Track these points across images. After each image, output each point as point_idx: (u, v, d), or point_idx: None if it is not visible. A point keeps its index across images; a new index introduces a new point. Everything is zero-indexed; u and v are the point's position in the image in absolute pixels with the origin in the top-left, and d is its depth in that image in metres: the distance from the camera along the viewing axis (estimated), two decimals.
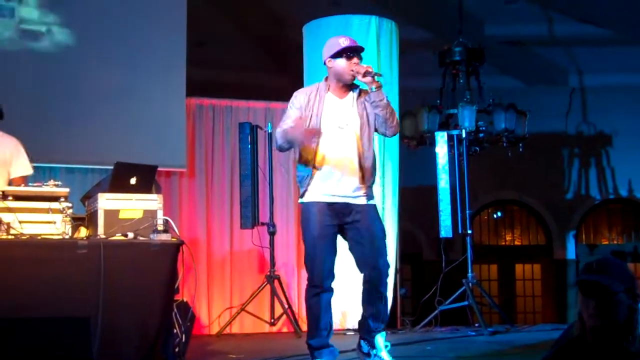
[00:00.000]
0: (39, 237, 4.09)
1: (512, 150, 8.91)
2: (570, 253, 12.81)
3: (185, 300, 4.76)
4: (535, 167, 12.24)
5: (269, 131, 7.34)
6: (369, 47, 6.42)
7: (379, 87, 4.42)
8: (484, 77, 8.97)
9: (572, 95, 12.45)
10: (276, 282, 7.06)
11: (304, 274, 7.91)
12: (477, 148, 8.56)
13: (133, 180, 4.49)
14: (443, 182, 7.04)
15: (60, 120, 7.09)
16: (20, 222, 4.09)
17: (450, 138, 7.15)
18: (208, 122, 7.93)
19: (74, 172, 7.16)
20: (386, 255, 4.60)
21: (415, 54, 9.66)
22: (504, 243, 13.73)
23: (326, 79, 4.61)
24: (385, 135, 4.65)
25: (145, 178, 4.58)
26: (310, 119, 4.50)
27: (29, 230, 4.10)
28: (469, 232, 7.13)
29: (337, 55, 4.49)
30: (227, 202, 7.83)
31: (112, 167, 4.58)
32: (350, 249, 4.64)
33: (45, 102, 7.03)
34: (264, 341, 6.73)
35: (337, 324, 7.19)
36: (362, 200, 4.56)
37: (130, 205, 4.37)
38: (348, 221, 4.56)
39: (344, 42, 4.48)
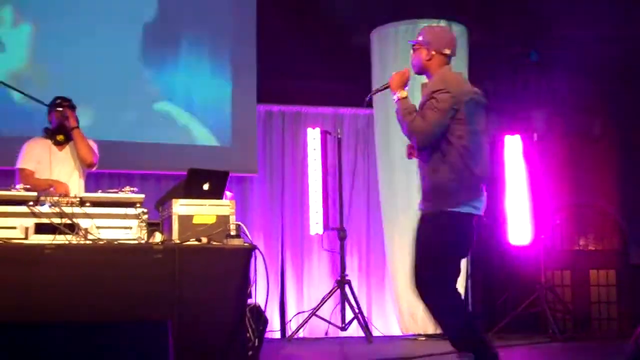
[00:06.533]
0: (116, 242, 4.19)
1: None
2: None
3: (257, 304, 4.80)
4: (610, 169, 11.96)
5: (339, 137, 7.38)
6: None
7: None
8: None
9: None
10: (347, 287, 7.07)
11: (374, 280, 7.96)
12: None
13: (206, 186, 4.58)
14: None
15: (135, 128, 7.26)
16: (97, 227, 4.18)
17: None
18: (278, 128, 8.01)
19: (148, 178, 7.32)
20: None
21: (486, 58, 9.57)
22: (577, 248, 13.44)
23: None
24: None
25: (218, 184, 4.65)
26: None
27: (106, 235, 4.18)
28: (542, 237, 7.05)
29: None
30: (298, 207, 7.89)
31: (185, 174, 4.67)
32: None
33: (121, 111, 7.21)
34: (335, 346, 6.74)
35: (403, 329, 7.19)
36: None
37: (204, 211, 4.43)
38: None
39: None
